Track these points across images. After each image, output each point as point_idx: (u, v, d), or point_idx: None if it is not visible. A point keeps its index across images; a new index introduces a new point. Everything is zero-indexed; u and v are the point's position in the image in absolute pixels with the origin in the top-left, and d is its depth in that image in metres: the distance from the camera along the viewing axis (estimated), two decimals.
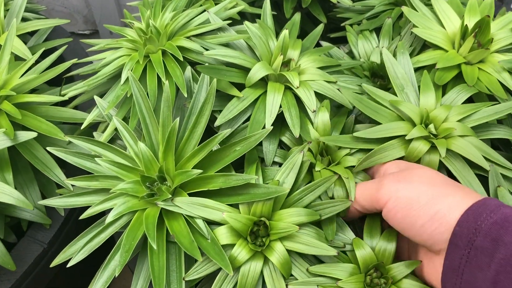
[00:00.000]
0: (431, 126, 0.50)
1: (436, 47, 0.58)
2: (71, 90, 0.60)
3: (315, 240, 0.45)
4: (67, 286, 0.71)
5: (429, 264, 0.44)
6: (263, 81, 0.54)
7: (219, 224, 0.47)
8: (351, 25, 0.75)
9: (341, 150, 0.51)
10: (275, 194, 0.46)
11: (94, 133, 0.58)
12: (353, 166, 0.49)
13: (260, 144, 0.51)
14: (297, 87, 0.51)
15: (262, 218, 0.46)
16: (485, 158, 0.49)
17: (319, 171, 0.49)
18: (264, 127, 0.51)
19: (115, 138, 0.58)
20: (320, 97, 0.54)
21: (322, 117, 0.52)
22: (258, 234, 0.47)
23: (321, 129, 0.51)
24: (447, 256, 0.40)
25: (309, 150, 0.50)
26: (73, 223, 0.62)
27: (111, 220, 0.47)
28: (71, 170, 0.62)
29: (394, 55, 0.59)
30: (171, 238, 0.48)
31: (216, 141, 0.48)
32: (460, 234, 0.39)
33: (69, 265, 0.48)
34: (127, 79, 0.56)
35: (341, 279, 0.44)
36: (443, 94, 0.54)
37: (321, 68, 0.56)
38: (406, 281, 0.45)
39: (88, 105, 0.69)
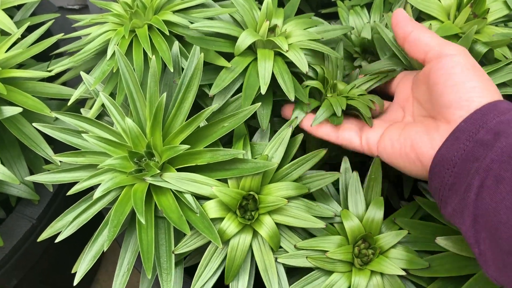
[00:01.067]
0: None
1: (432, 18, 0.58)
2: (57, 66, 0.59)
3: (304, 213, 0.45)
4: (57, 262, 0.71)
5: (420, 137, 0.43)
6: (251, 50, 0.54)
7: (207, 198, 0.47)
8: (342, 0, 0.74)
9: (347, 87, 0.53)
10: (263, 168, 0.46)
11: (82, 110, 0.58)
12: (361, 95, 0.51)
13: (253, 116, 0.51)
14: (287, 51, 0.51)
15: (251, 192, 0.46)
16: None
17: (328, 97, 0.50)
18: (258, 91, 0.50)
19: (102, 114, 0.58)
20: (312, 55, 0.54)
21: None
22: (247, 208, 0.47)
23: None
24: (444, 145, 0.40)
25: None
26: (62, 199, 0.62)
27: (99, 195, 0.47)
28: (59, 147, 0.61)
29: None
30: (159, 213, 0.48)
31: (203, 116, 0.48)
32: (463, 129, 0.39)
33: (57, 240, 0.48)
34: (113, 54, 0.55)
35: (329, 251, 0.45)
36: None
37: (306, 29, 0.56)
38: (393, 251, 0.46)
39: (76, 82, 0.68)
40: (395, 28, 0.48)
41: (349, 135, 0.49)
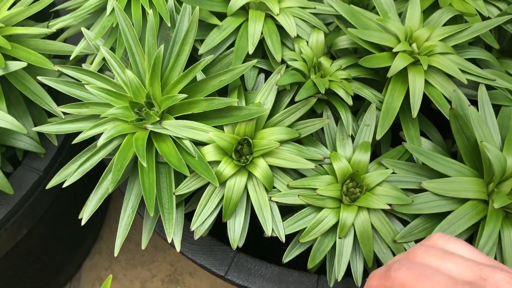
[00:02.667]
0: (414, 45, 0.52)
1: None
2: (58, 22, 0.61)
3: (295, 155, 0.49)
4: (64, 215, 0.75)
5: None
6: (244, 10, 0.56)
7: (205, 144, 0.50)
8: None
9: (332, 66, 0.54)
10: (256, 114, 0.49)
11: (83, 65, 0.60)
12: (345, 79, 0.52)
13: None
14: (277, 14, 0.53)
15: (246, 137, 0.50)
16: (465, 72, 0.51)
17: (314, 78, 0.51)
18: (248, 53, 0.53)
19: (103, 69, 0.60)
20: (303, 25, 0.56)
21: (317, 37, 0.54)
22: (242, 152, 0.50)
23: (314, 47, 0.54)
24: None
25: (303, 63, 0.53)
26: (67, 152, 0.65)
27: (103, 143, 0.50)
28: (62, 103, 0.64)
29: None
30: (160, 159, 0.51)
31: (200, 66, 0.51)
32: None
33: (64, 185, 0.51)
34: (113, 10, 0.57)
35: (319, 189, 0.48)
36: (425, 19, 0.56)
37: None
38: (379, 188, 0.49)
39: (76, 41, 0.70)
40: None
41: None
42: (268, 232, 0.49)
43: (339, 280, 0.49)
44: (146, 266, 0.91)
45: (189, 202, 0.55)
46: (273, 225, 0.50)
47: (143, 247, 0.52)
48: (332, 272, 0.51)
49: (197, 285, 0.90)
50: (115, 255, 0.50)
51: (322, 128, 0.52)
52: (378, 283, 0.33)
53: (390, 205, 0.48)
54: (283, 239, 0.49)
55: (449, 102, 0.51)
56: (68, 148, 0.66)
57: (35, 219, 0.64)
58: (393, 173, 0.50)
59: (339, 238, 0.49)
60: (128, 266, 0.91)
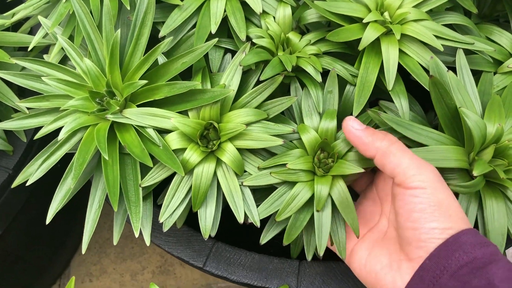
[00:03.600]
0: (386, 14, 0.49)
1: None
2: (17, 12, 0.58)
3: (263, 134, 0.46)
4: (40, 214, 0.73)
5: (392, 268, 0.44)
6: None
7: (170, 132, 0.48)
8: None
9: (301, 41, 0.51)
10: (220, 96, 0.46)
11: (45, 56, 0.57)
12: (315, 54, 0.50)
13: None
14: None
15: (211, 121, 0.47)
16: (440, 37, 0.49)
17: (280, 55, 0.49)
18: (211, 32, 0.50)
19: (66, 59, 0.57)
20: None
21: (284, 11, 0.51)
22: (209, 138, 0.48)
23: (282, 23, 0.51)
24: (409, 285, 0.41)
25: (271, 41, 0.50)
26: (38, 148, 0.63)
27: (64, 137, 0.48)
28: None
29: None
30: (125, 151, 0.49)
31: (160, 49, 0.48)
32: (427, 269, 0.39)
33: (28, 183, 0.49)
34: None
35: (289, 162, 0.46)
36: None
37: None
38: (351, 154, 0.47)
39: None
40: (354, 142, 0.45)
41: None
42: (240, 219, 0.47)
43: (321, 254, 0.47)
44: (136, 258, 0.89)
45: (162, 193, 0.53)
46: (247, 211, 0.48)
47: (115, 243, 0.50)
48: (310, 246, 0.49)
49: (188, 275, 0.88)
50: (83, 252, 0.48)
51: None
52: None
53: (364, 168, 0.46)
54: (258, 224, 0.47)
55: (427, 71, 0.48)
56: (38, 144, 0.63)
57: (8, 219, 0.63)
58: None
59: (317, 211, 0.46)
60: (118, 259, 0.89)
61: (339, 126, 0.48)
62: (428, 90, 0.46)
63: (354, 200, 0.48)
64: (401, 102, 0.47)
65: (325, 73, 0.50)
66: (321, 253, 0.47)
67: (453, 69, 0.48)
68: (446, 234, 0.40)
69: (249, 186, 0.48)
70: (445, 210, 0.40)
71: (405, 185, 0.42)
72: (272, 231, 0.50)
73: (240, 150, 0.47)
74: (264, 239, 0.49)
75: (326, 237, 0.47)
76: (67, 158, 0.50)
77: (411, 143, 0.46)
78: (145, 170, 0.49)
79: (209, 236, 0.48)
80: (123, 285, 0.88)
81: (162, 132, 0.48)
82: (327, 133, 0.48)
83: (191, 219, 0.53)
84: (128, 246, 0.90)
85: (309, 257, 0.49)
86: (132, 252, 0.90)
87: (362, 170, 0.45)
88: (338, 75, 0.49)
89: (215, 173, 0.48)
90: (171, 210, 0.47)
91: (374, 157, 0.44)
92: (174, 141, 0.47)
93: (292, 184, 0.47)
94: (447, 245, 0.39)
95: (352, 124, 0.45)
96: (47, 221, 0.48)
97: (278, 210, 0.47)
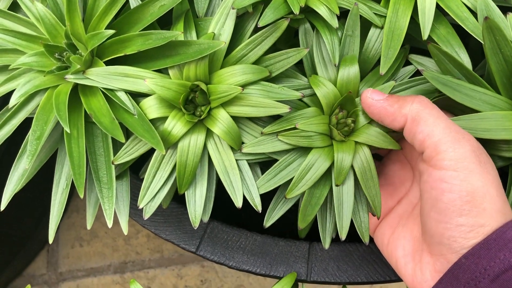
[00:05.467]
0: None
1: None
2: None
3: (264, 99, 0.37)
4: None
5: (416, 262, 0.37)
6: None
7: (147, 96, 0.38)
8: None
9: None
10: (208, 50, 0.36)
11: None
12: None
13: None
14: None
15: (197, 82, 0.37)
16: None
17: None
18: None
19: (18, 6, 0.47)
20: None
21: None
22: (196, 103, 0.38)
23: None
24: (440, 283, 0.34)
25: None
26: None
27: (16, 103, 0.39)
28: None
29: None
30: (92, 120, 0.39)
31: None
32: (464, 268, 0.32)
33: None
34: None
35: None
36: None
37: None
38: None
39: None
40: (378, 116, 0.37)
41: None
42: (238, 203, 0.38)
43: (343, 238, 0.39)
44: (129, 221, 0.82)
45: (145, 165, 0.45)
46: (245, 192, 0.39)
47: (88, 227, 0.42)
48: (326, 231, 0.40)
49: None
50: (50, 242, 0.40)
51: None
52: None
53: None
54: (259, 208, 0.39)
55: (474, 14, 0.37)
56: None
57: None
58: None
59: (336, 185, 0.38)
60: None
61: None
62: (478, 38, 0.35)
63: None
64: (457, 52, 0.37)
65: (342, 14, 0.39)
66: (343, 236, 0.39)
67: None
68: (475, 233, 0.32)
69: (247, 160, 0.39)
70: (479, 202, 0.32)
71: (433, 163, 0.33)
72: (278, 211, 0.41)
73: (235, 118, 0.37)
74: (269, 221, 0.41)
75: (349, 217, 0.38)
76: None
77: (458, 111, 0.37)
78: (119, 142, 0.40)
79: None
80: (116, 250, 0.81)
81: (138, 95, 0.39)
82: (348, 85, 0.38)
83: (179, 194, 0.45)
84: None
85: (326, 245, 0.40)
86: None
87: (399, 147, 0.37)
88: (360, 16, 0.39)
89: (205, 147, 0.38)
90: (153, 193, 0.39)
91: (403, 127, 0.35)
92: (151, 108, 0.37)
93: (305, 151, 0.38)
94: (489, 242, 0.32)
95: (371, 96, 0.36)
96: (2, 207, 0.40)
97: (284, 183, 0.39)
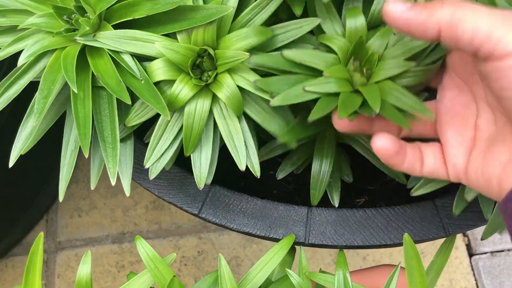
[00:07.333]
0: None
1: None
2: None
3: None
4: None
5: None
6: None
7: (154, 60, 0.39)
8: None
9: None
10: (216, 15, 0.37)
11: None
12: None
13: None
14: None
15: (206, 47, 0.38)
16: None
17: None
18: None
19: None
20: None
21: None
22: (203, 68, 0.39)
23: None
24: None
25: None
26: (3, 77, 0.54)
27: (24, 63, 0.40)
28: None
29: None
30: (99, 83, 0.40)
31: None
32: None
33: None
34: None
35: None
36: None
37: None
38: (389, 52, 0.38)
39: None
40: (405, 28, 0.32)
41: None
42: (242, 166, 0.40)
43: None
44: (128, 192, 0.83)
45: (150, 129, 0.46)
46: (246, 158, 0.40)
47: (92, 187, 0.43)
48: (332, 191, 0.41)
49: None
50: (60, 200, 0.41)
51: None
52: None
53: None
54: (258, 173, 0.40)
55: None
56: (5, 71, 0.55)
57: None
58: None
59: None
60: (108, 194, 0.84)
61: None
62: None
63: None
64: None
65: None
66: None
67: None
68: None
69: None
70: None
71: (497, 55, 0.29)
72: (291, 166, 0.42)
73: (241, 88, 0.38)
74: (281, 172, 0.42)
75: None
76: None
77: None
78: (125, 105, 0.41)
79: None
80: (114, 221, 0.83)
81: (145, 59, 0.39)
82: (357, 34, 0.38)
83: (182, 159, 0.46)
84: (119, 179, 0.84)
85: (335, 202, 0.42)
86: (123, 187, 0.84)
87: (413, 64, 0.35)
88: None
89: (210, 112, 0.39)
90: (159, 154, 0.40)
91: (438, 36, 0.31)
92: (159, 70, 0.38)
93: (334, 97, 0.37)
94: None
95: (394, 8, 0.31)
96: (10, 164, 0.41)
97: None
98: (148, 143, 0.42)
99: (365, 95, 0.35)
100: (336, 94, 0.36)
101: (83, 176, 0.86)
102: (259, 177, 0.40)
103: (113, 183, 0.39)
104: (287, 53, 0.37)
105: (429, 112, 0.35)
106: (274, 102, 0.36)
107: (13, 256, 0.83)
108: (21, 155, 0.41)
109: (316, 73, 0.37)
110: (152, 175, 0.40)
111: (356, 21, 0.39)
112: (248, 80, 0.39)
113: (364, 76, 0.37)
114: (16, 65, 0.42)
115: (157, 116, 0.41)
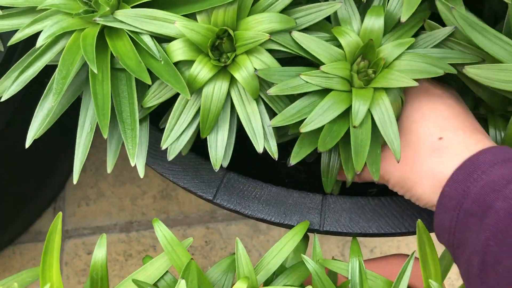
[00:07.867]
0: None
1: None
2: None
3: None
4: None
5: None
6: None
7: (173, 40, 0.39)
8: None
9: None
10: None
11: None
12: None
13: None
14: None
15: (226, 28, 0.38)
16: None
17: None
18: None
19: None
20: None
21: None
22: (222, 49, 0.39)
23: None
24: (437, 214, 0.38)
25: None
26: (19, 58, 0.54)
27: (43, 44, 0.40)
28: None
29: None
30: (117, 65, 0.40)
31: None
32: (449, 195, 0.37)
33: (3, 99, 0.41)
34: None
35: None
36: None
37: None
38: (399, 63, 0.38)
39: None
40: None
41: None
42: (260, 148, 0.39)
43: (358, 171, 0.39)
44: (135, 182, 0.83)
45: (166, 115, 0.45)
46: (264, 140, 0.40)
47: (109, 171, 0.43)
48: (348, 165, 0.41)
49: (192, 200, 0.83)
50: (74, 182, 0.41)
51: None
52: None
53: (417, 80, 0.37)
54: (276, 155, 0.40)
55: None
56: (19, 53, 0.54)
57: None
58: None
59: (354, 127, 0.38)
60: (116, 182, 0.84)
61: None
62: None
63: None
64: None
65: None
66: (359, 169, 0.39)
67: None
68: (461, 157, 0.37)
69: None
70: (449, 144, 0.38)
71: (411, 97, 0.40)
72: (305, 148, 0.41)
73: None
74: (295, 158, 0.41)
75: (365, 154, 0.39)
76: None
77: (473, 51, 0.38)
78: (141, 87, 0.41)
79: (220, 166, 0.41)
80: (122, 210, 0.83)
81: (163, 41, 0.39)
82: (371, 34, 0.39)
83: (197, 146, 0.46)
84: (127, 169, 0.84)
85: (349, 177, 0.42)
86: (131, 176, 0.84)
87: (415, 83, 0.37)
88: None
89: (228, 93, 0.39)
90: (176, 135, 0.40)
91: None
92: (178, 51, 0.38)
93: (323, 92, 0.38)
94: (465, 167, 0.36)
95: None
96: (27, 145, 0.41)
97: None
98: (163, 129, 0.42)
99: (353, 99, 0.37)
100: (327, 90, 0.38)
101: (91, 164, 0.86)
102: (276, 158, 0.39)
103: (132, 164, 0.39)
104: (296, 34, 0.38)
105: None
106: (270, 92, 0.37)
107: (20, 243, 0.83)
108: (25, 148, 0.41)
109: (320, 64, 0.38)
110: (170, 156, 0.40)
111: (374, 22, 0.39)
112: (264, 63, 0.38)
113: (363, 80, 0.38)
114: (29, 48, 0.42)
115: (172, 100, 0.41)
